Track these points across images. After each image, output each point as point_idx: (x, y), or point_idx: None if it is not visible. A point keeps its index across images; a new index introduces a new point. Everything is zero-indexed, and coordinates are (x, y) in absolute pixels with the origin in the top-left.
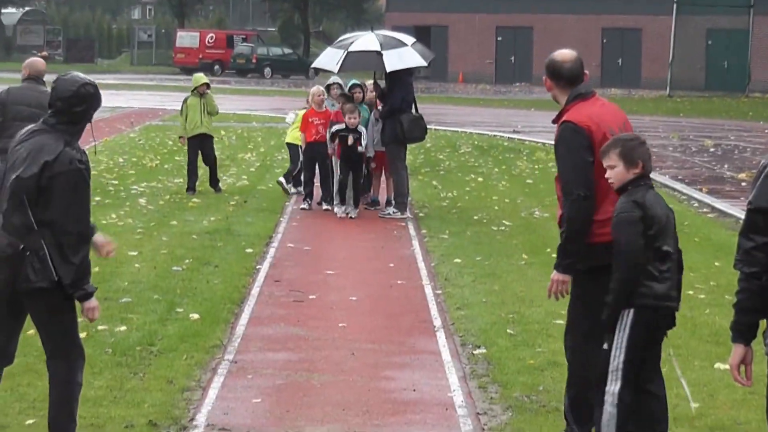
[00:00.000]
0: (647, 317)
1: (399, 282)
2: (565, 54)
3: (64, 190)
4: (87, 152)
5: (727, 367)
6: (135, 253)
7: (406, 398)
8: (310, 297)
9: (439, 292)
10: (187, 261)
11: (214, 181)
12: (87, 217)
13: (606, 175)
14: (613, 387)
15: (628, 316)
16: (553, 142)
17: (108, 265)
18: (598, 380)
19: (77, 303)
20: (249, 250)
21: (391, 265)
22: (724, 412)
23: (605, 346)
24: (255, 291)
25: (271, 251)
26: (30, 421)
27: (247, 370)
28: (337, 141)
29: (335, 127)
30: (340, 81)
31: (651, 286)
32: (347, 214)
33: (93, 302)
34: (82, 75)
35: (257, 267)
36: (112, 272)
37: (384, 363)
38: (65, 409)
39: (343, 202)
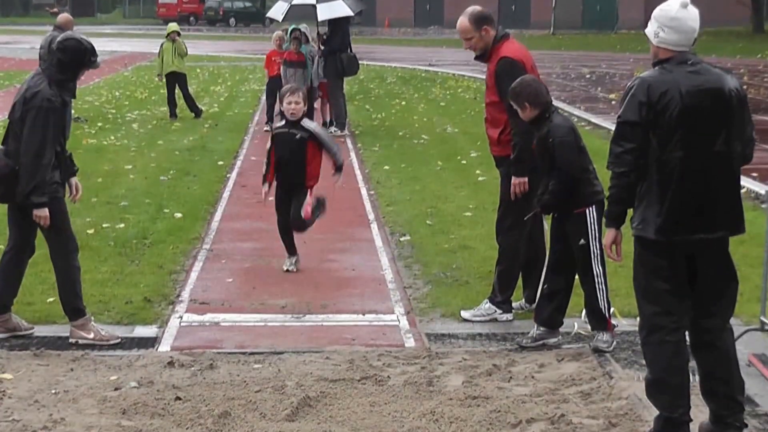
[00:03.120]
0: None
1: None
2: (480, 8)
3: (31, 121)
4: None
5: None
6: (130, 167)
7: (347, 276)
8: (270, 198)
9: (372, 192)
10: (171, 172)
11: (192, 108)
12: (44, 147)
13: (520, 115)
14: (597, 269)
15: (592, 213)
16: (462, 74)
17: (109, 177)
18: (583, 269)
19: (67, 204)
20: (221, 163)
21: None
22: None
23: (582, 242)
24: (226, 194)
25: (238, 163)
26: (50, 299)
27: (221, 257)
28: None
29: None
30: (300, 27)
31: (596, 184)
32: None
33: (42, 212)
34: (72, 33)
35: (227, 175)
36: (113, 182)
37: (329, 249)
38: (70, 289)
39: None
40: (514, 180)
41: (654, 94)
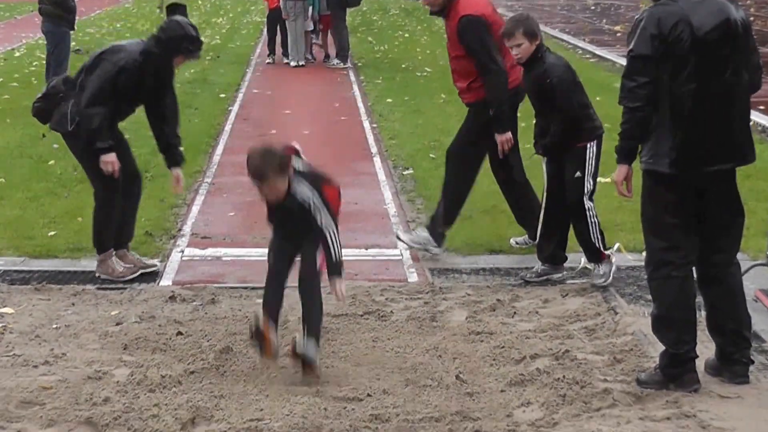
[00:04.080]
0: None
1: (342, 118)
2: None
3: (99, 69)
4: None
5: (607, 180)
6: None
7: (350, 210)
8: (272, 132)
9: (375, 125)
10: None
11: None
12: (99, 97)
13: (513, 53)
14: (588, 203)
15: (592, 148)
16: None
17: None
18: (575, 203)
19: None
20: (222, 96)
21: (336, 105)
22: (604, 216)
23: (578, 174)
24: (228, 128)
25: (240, 96)
26: (51, 233)
27: (223, 190)
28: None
29: None
30: None
31: (595, 119)
32: (297, 63)
33: (109, 157)
34: (179, 18)
35: (229, 108)
36: None
37: None
38: (94, 229)
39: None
40: (499, 138)
41: (665, 26)
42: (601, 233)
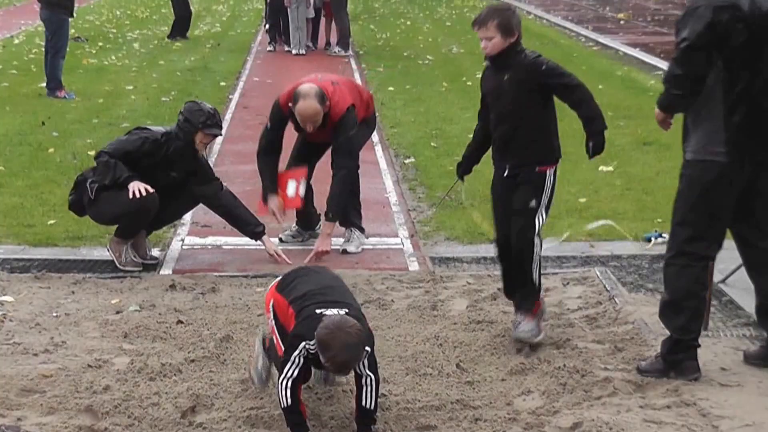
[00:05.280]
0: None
1: None
2: None
3: (127, 135)
4: None
5: (609, 169)
6: (131, 88)
7: None
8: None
9: (377, 114)
10: (173, 93)
11: (183, 31)
12: (120, 152)
13: (482, 45)
14: (536, 238)
15: (551, 176)
16: None
17: (110, 97)
18: (520, 235)
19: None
20: (222, 83)
21: None
22: (606, 205)
23: (532, 204)
24: (228, 116)
25: (240, 84)
26: (51, 222)
27: (223, 179)
28: None
29: None
30: None
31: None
32: (299, 51)
33: (134, 185)
34: (198, 102)
35: (229, 97)
36: (114, 103)
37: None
38: (122, 222)
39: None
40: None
41: (721, 14)
42: (540, 278)
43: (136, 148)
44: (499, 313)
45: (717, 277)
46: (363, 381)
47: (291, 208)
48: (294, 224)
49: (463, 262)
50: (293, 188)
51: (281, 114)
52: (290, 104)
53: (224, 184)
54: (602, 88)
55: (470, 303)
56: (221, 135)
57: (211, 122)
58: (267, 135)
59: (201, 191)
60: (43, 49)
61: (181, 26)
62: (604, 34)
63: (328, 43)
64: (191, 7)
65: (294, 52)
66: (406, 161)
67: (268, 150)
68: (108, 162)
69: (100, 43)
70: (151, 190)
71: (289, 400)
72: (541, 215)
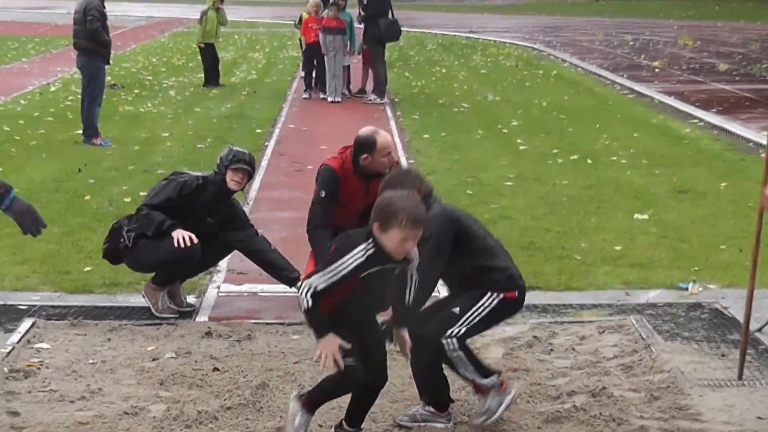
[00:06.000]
0: None
1: None
2: None
3: (160, 185)
4: None
5: (644, 217)
6: (167, 134)
7: None
8: (308, 167)
9: (412, 161)
10: (208, 140)
11: (215, 79)
12: (161, 199)
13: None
14: (448, 340)
15: (493, 300)
16: (504, 41)
17: (146, 144)
18: (433, 337)
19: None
20: (258, 131)
21: None
22: (641, 252)
23: (456, 310)
24: (264, 163)
25: (276, 131)
26: (87, 268)
27: (259, 226)
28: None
29: None
30: None
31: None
32: (335, 99)
33: (177, 233)
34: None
35: (265, 144)
36: (150, 150)
37: None
38: (162, 269)
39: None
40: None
41: None
42: (476, 363)
43: (177, 193)
44: (535, 361)
45: (753, 325)
46: (409, 276)
47: None
48: None
49: None
50: None
51: (335, 176)
52: (362, 156)
53: (260, 231)
54: (638, 136)
55: (506, 351)
56: (251, 172)
57: (237, 158)
58: (322, 204)
59: (235, 236)
60: (80, 97)
61: (212, 76)
62: (639, 82)
63: (363, 90)
64: (218, 55)
65: (330, 99)
66: None
67: (325, 223)
68: (149, 214)
69: (136, 90)
70: (195, 240)
71: (311, 303)
72: (462, 328)
